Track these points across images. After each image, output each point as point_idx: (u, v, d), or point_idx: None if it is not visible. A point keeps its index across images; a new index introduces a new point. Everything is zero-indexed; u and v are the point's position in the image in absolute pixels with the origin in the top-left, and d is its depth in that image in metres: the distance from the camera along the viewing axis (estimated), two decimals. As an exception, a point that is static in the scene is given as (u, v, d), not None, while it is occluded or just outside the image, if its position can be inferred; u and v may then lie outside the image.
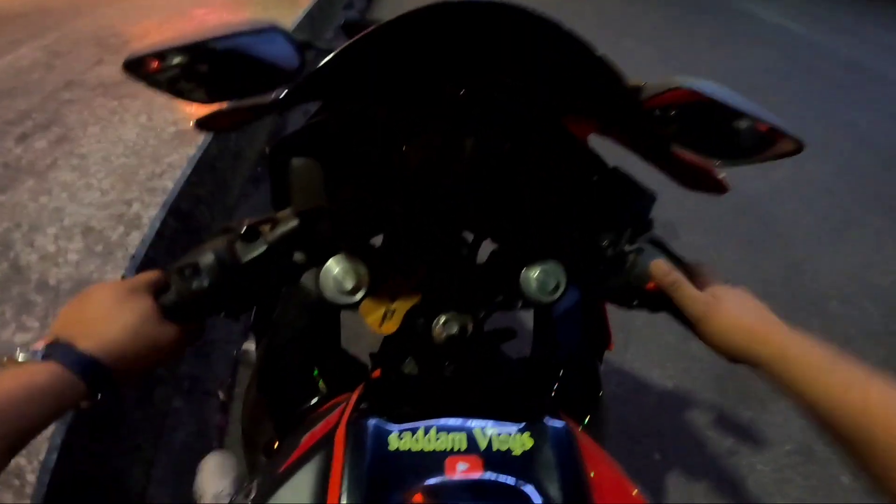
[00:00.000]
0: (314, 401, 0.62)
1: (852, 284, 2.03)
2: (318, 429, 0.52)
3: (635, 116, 0.52)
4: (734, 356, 0.47)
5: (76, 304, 0.45)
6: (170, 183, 1.65)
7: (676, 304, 0.52)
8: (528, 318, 0.71)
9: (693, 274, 0.54)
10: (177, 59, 0.49)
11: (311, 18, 3.61)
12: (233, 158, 2.11)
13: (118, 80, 2.56)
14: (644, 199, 0.59)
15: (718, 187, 0.61)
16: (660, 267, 0.53)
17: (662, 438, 1.52)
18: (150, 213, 1.54)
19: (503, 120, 0.54)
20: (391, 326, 0.60)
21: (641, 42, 4.38)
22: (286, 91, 0.50)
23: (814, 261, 2.13)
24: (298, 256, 0.54)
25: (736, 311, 0.48)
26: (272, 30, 0.50)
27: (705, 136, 0.53)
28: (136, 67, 0.49)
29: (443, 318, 0.57)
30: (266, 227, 0.53)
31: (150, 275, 0.49)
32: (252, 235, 0.51)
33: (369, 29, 0.46)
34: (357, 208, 0.57)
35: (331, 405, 0.58)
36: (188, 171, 1.71)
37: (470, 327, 0.58)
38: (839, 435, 0.39)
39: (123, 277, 1.38)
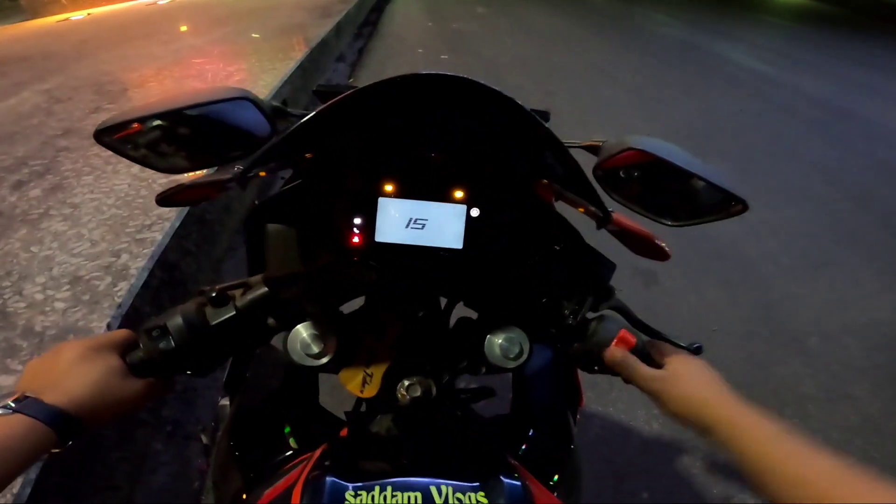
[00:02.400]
0: (284, 456, 0.63)
1: (831, 321, 2.08)
2: (280, 484, 0.53)
3: (581, 180, 0.54)
4: (689, 425, 0.50)
5: (43, 360, 0.49)
6: (158, 235, 1.73)
7: (633, 383, 0.56)
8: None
9: (652, 344, 0.58)
10: (147, 127, 0.50)
11: (302, 70, 3.77)
12: (222, 211, 2.19)
13: (114, 128, 2.66)
14: (605, 268, 0.62)
15: (660, 254, 0.65)
16: (613, 354, 0.57)
17: (650, 476, 1.52)
18: (138, 264, 1.62)
19: (475, 181, 0.56)
20: (371, 390, 0.62)
21: (620, 90, 4.61)
22: (246, 165, 0.51)
23: (792, 299, 2.19)
24: (270, 320, 0.57)
25: (689, 385, 0.51)
26: (243, 98, 0.51)
27: (655, 197, 0.55)
28: (107, 135, 0.50)
29: (406, 383, 0.59)
30: (237, 293, 0.55)
31: (118, 334, 0.52)
32: (221, 300, 0.54)
33: (336, 99, 0.48)
34: (330, 274, 0.58)
35: (297, 461, 0.59)
36: (177, 224, 1.79)
37: (434, 390, 0.60)
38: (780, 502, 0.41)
39: (109, 327, 1.44)
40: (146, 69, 3.85)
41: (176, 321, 0.52)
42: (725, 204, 0.54)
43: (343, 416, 0.71)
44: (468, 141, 0.56)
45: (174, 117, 0.51)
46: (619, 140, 0.57)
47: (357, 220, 0.56)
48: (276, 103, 0.57)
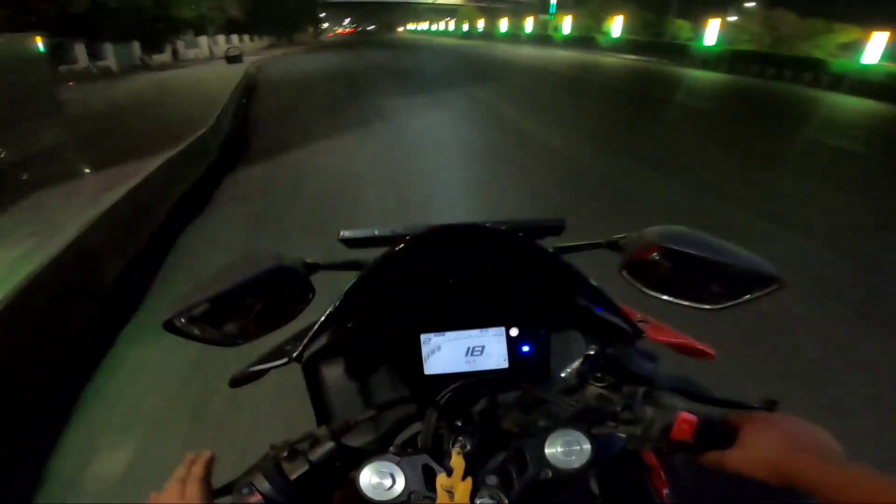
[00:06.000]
0: None
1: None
2: None
3: (601, 299, 0.62)
4: (767, 483, 0.50)
5: None
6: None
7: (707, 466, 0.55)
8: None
9: (719, 414, 0.55)
10: (202, 312, 0.58)
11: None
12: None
13: None
14: (646, 359, 0.62)
15: (703, 355, 0.67)
16: (677, 438, 0.55)
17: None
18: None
19: (506, 303, 0.67)
20: None
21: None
22: (300, 349, 0.62)
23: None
24: (338, 463, 0.60)
25: (761, 451, 0.50)
26: (279, 267, 0.60)
27: (688, 285, 0.58)
28: (176, 322, 0.58)
29: (478, 502, 0.58)
30: (305, 446, 0.59)
31: (201, 468, 0.57)
32: (295, 456, 0.58)
33: (393, 250, 0.62)
34: (389, 412, 0.66)
35: None
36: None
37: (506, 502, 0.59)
38: None
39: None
40: None
41: (260, 481, 0.56)
42: (760, 283, 0.57)
43: None
44: (490, 271, 0.66)
45: (224, 299, 0.59)
46: (637, 235, 0.63)
47: (404, 358, 0.66)
48: (307, 260, 0.68)
